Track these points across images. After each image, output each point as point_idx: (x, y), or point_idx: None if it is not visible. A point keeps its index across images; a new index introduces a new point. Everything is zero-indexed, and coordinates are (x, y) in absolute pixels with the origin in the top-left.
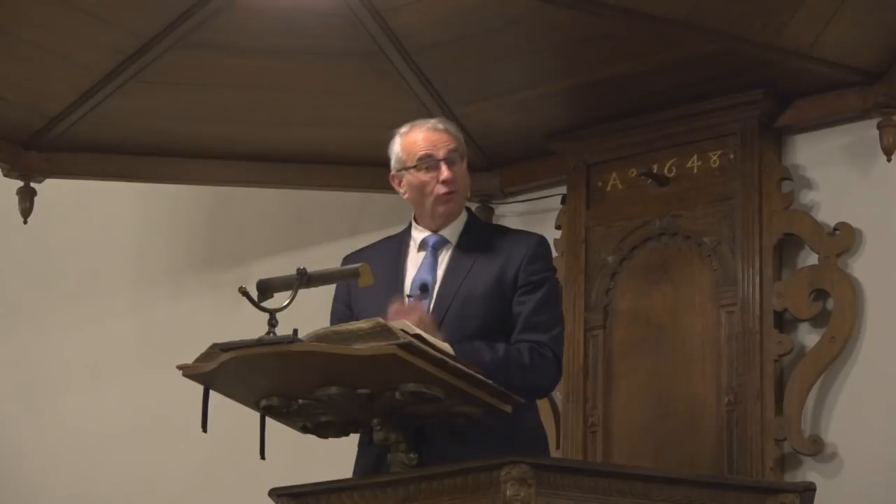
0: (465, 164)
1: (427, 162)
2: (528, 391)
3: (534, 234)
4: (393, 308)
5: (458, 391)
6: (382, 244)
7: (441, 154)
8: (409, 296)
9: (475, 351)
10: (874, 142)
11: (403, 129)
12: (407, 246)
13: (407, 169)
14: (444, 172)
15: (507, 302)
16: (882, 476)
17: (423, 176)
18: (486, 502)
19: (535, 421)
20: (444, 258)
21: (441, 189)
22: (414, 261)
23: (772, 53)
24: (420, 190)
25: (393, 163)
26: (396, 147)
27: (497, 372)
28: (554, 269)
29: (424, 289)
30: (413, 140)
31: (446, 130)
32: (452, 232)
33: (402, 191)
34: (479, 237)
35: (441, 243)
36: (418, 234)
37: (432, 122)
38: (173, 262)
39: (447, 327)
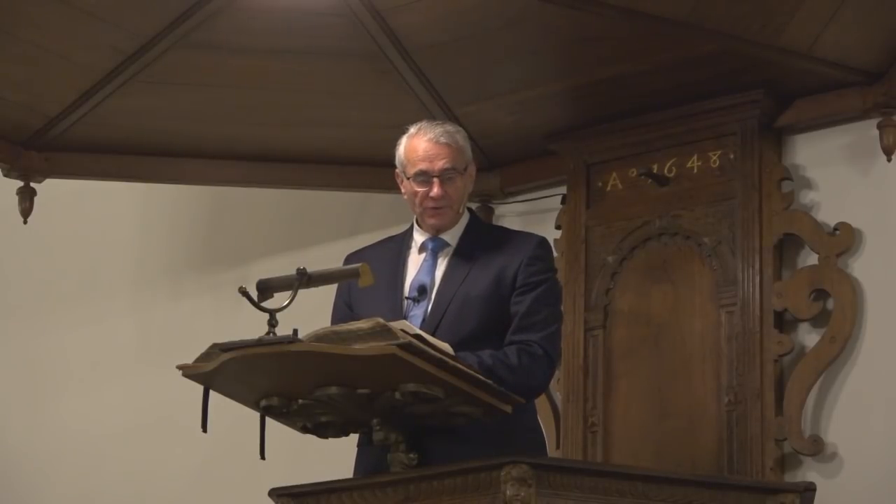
0: (465, 176)
1: (421, 177)
2: (519, 393)
3: (535, 235)
4: None
5: (458, 391)
6: (384, 244)
7: (436, 170)
8: (407, 297)
9: (460, 361)
10: (874, 142)
11: (412, 131)
12: (408, 247)
13: (405, 176)
14: (435, 189)
15: (505, 303)
16: (882, 476)
17: (416, 188)
18: (486, 502)
19: (533, 422)
20: (443, 260)
21: (429, 204)
22: (414, 262)
23: (772, 53)
24: (412, 199)
25: (396, 162)
26: (401, 149)
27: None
28: (554, 270)
29: (423, 291)
30: (414, 148)
31: (448, 144)
32: (453, 234)
33: (402, 190)
34: (480, 239)
35: (441, 246)
36: (419, 237)
37: (439, 130)
38: (173, 262)
39: (445, 329)
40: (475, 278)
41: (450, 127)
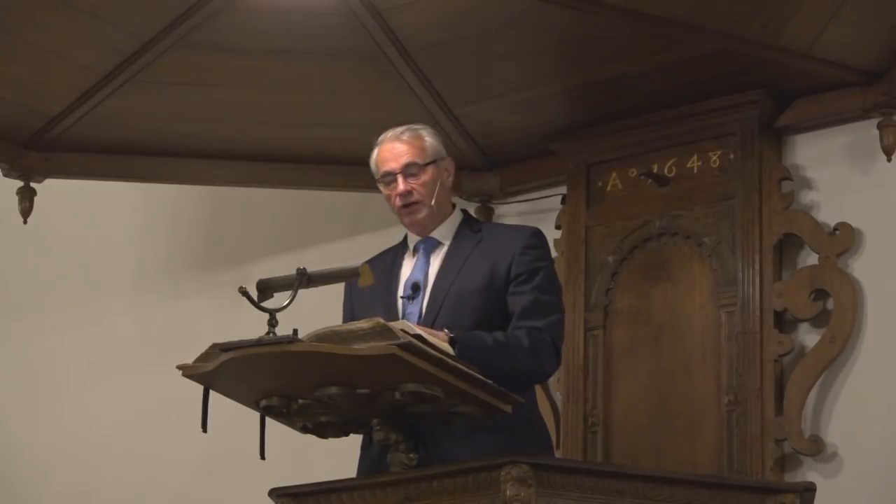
0: (435, 169)
1: (388, 178)
2: (530, 375)
3: (528, 226)
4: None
5: (458, 391)
6: (384, 254)
7: (398, 168)
8: (401, 297)
9: (475, 338)
10: (874, 142)
11: (379, 140)
12: (403, 252)
13: (377, 182)
14: (399, 186)
15: (501, 294)
16: (882, 476)
17: (386, 190)
18: (486, 502)
19: (534, 415)
20: (436, 258)
21: (398, 202)
22: (408, 265)
23: (772, 53)
24: (388, 203)
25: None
26: (371, 158)
27: (500, 356)
28: (551, 260)
29: (416, 288)
30: (380, 153)
31: (408, 141)
32: (444, 233)
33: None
34: (472, 235)
35: (433, 245)
36: (412, 240)
37: (401, 130)
38: (173, 262)
39: (441, 325)
40: (469, 273)
41: (415, 125)
